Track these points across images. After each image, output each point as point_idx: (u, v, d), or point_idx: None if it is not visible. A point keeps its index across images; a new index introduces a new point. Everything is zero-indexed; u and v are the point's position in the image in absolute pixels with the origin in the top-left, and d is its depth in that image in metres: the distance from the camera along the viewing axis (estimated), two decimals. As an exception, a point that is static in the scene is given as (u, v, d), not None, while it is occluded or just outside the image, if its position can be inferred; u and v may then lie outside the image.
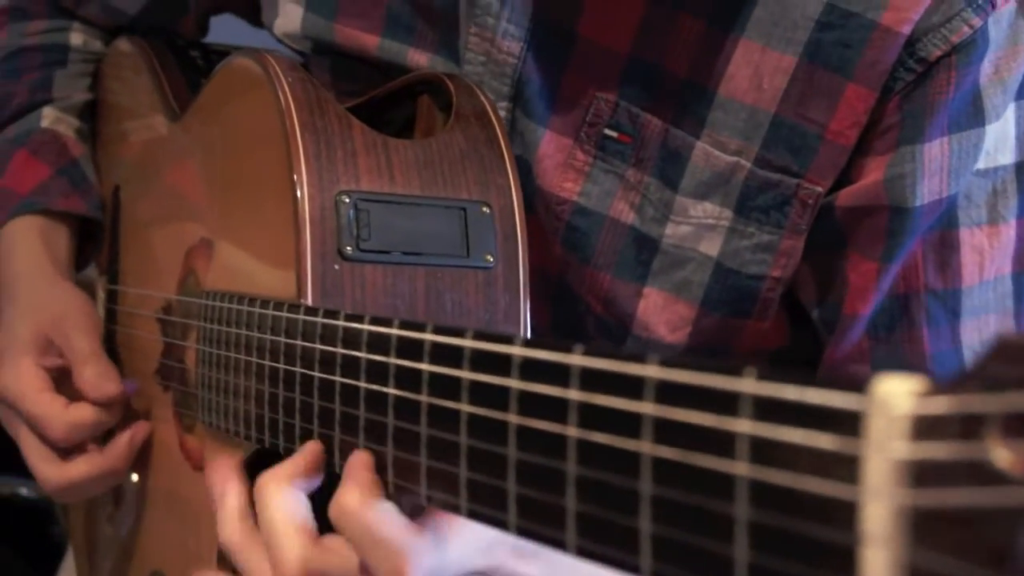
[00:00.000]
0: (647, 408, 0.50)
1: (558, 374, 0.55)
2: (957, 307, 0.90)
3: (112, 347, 1.15)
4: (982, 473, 0.37)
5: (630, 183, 0.92)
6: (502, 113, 0.92)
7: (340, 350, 0.72)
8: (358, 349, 0.70)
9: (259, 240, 0.87)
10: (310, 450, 0.74)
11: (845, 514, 0.41)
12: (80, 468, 1.04)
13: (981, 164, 0.88)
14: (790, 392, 0.44)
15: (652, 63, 0.90)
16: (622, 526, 0.51)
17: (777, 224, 0.90)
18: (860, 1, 0.86)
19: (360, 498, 0.68)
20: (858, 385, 0.41)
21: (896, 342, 0.91)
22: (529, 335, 0.85)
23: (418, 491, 0.66)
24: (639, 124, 0.91)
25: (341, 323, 0.72)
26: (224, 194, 0.94)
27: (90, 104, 1.24)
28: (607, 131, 0.92)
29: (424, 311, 0.82)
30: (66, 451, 1.05)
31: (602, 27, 0.91)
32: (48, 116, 1.19)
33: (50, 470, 1.05)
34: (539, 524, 0.56)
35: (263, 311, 0.81)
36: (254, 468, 0.87)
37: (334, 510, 0.69)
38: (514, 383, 0.58)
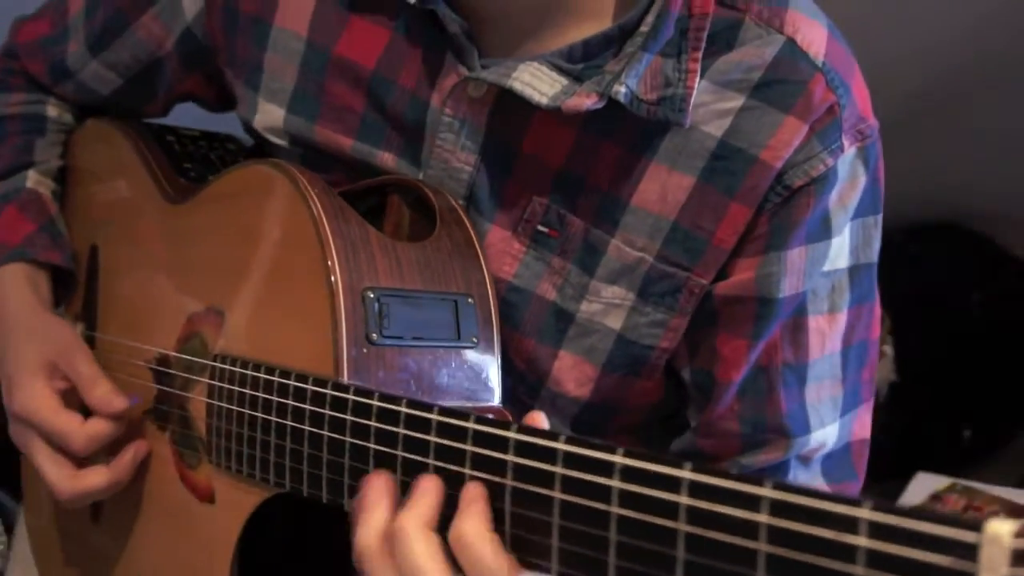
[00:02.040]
0: (762, 519, 0.61)
1: (667, 483, 0.65)
2: (804, 375, 1.04)
3: None
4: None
5: (554, 268, 1.03)
6: None
7: (402, 431, 0.80)
8: (427, 432, 0.78)
9: (286, 321, 0.93)
10: (436, 491, 0.76)
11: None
12: (93, 479, 1.08)
13: (826, 267, 1.02)
14: (909, 523, 0.56)
15: (579, 176, 1.00)
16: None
17: (670, 307, 1.02)
18: (745, 140, 0.97)
19: (477, 528, 0.73)
20: (975, 525, 0.54)
21: (759, 403, 1.04)
22: (500, 396, 0.95)
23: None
24: (566, 223, 1.01)
25: (404, 409, 0.80)
26: (243, 276, 0.98)
27: (62, 169, 1.28)
28: (540, 227, 1.02)
29: (427, 384, 0.91)
30: (78, 464, 1.09)
31: (541, 147, 1.00)
32: (32, 178, 1.24)
33: (65, 480, 1.08)
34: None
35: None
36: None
37: (453, 534, 0.73)
38: (616, 483, 0.67)
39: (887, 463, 1.17)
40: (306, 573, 1.02)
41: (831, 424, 1.07)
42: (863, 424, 1.11)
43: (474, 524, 0.73)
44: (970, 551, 0.54)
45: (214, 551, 0.96)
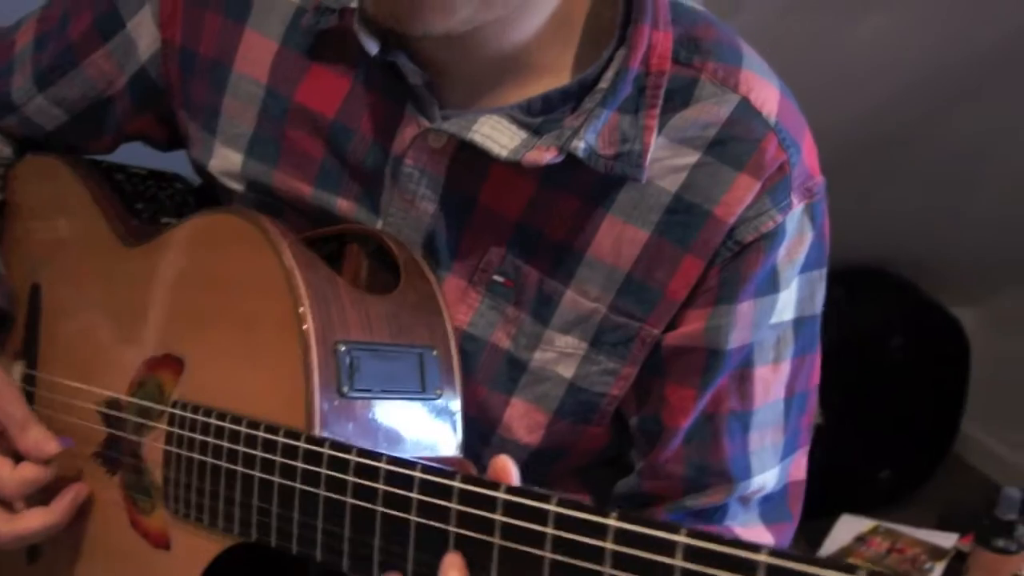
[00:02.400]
0: (759, 583, 0.64)
1: (663, 547, 0.68)
2: (748, 423, 1.08)
3: None
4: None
5: (509, 317, 1.05)
6: None
7: (382, 487, 0.81)
8: (410, 489, 0.79)
9: (252, 371, 0.93)
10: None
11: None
12: (31, 522, 1.07)
13: (773, 319, 1.05)
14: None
15: (536, 228, 1.02)
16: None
17: (622, 356, 1.04)
18: (699, 195, 1.00)
19: None
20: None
21: (704, 449, 1.07)
22: (461, 444, 0.97)
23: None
24: (521, 273, 1.03)
25: (384, 466, 0.81)
26: (206, 324, 0.98)
27: (0, 204, 1.25)
28: (495, 277, 1.04)
29: (393, 436, 0.92)
30: (11, 508, 1.07)
31: (499, 198, 1.02)
32: None
33: (2, 524, 1.07)
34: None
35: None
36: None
37: None
38: (610, 545, 0.70)
39: (810, 503, 1.21)
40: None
41: (771, 469, 1.11)
42: (799, 466, 1.15)
43: None
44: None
45: None
